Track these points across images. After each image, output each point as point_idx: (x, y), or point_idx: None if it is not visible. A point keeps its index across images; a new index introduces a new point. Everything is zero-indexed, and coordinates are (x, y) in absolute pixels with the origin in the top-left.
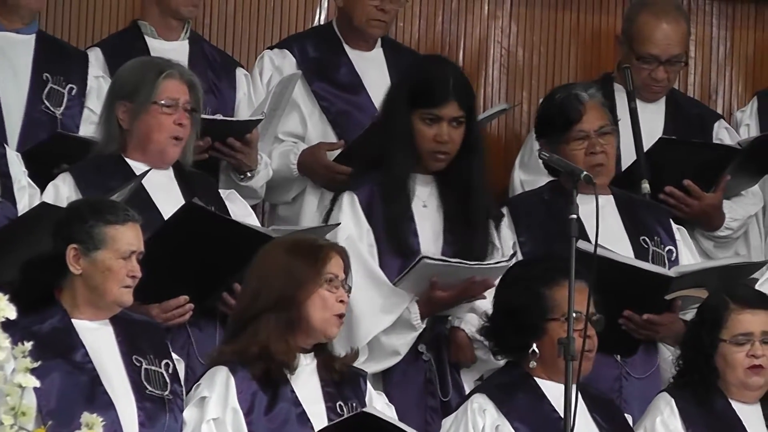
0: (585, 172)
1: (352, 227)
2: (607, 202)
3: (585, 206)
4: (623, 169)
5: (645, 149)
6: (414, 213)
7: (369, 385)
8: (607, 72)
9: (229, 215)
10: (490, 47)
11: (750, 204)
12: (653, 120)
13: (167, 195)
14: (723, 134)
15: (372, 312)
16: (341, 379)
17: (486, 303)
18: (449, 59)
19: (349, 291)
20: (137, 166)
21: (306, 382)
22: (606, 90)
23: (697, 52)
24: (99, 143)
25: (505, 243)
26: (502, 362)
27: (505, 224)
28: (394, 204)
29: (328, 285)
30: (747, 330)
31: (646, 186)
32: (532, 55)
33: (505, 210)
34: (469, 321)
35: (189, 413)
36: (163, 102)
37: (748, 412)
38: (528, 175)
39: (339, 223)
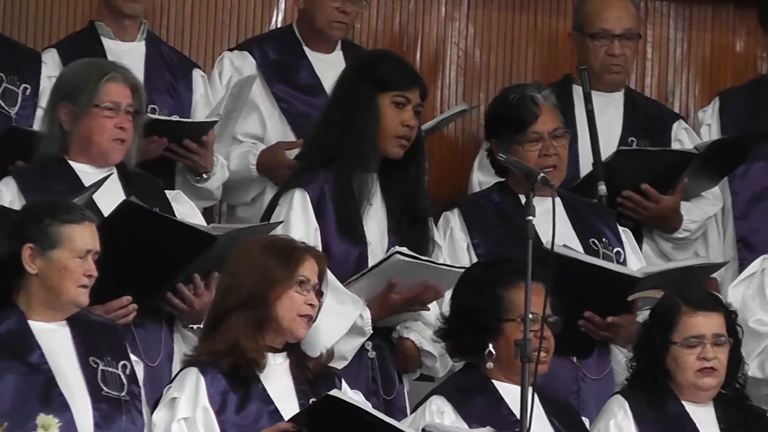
0: (542, 174)
1: (302, 226)
2: (557, 204)
3: (536, 208)
4: (582, 173)
5: (604, 154)
6: (362, 211)
7: (345, 384)
8: (567, 74)
9: (174, 216)
10: (447, 48)
11: (709, 205)
12: (612, 120)
13: (110, 197)
14: (682, 135)
15: (329, 319)
16: (315, 378)
17: (431, 315)
18: None
19: (320, 296)
20: (81, 169)
21: (278, 381)
22: (565, 92)
23: (654, 53)
24: (42, 144)
25: (458, 245)
26: (443, 372)
27: (457, 226)
28: (344, 201)
29: (299, 287)
30: (698, 332)
31: (602, 188)
32: (489, 56)
33: (456, 212)
34: (416, 329)
35: (159, 415)
36: (104, 105)
37: (700, 413)
38: (487, 177)
39: (281, 222)
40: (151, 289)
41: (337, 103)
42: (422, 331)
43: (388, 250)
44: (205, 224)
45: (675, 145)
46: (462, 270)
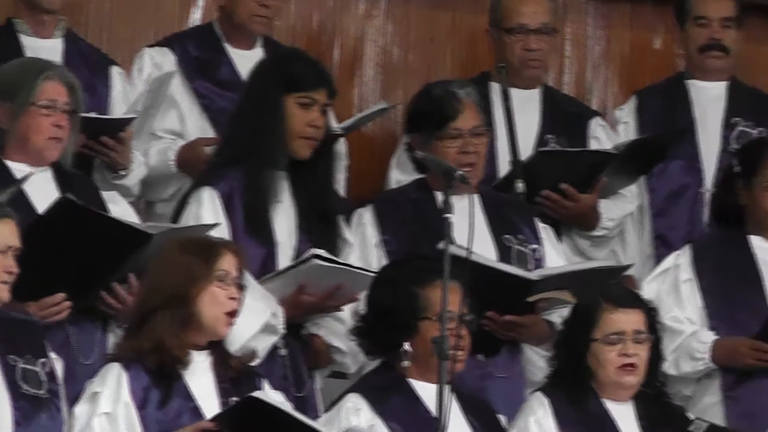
0: (460, 172)
1: (211, 222)
2: (474, 201)
3: (453, 205)
4: (500, 170)
5: (522, 152)
6: (271, 208)
7: (266, 385)
8: (484, 71)
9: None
10: (365, 46)
11: (627, 203)
12: (529, 118)
13: (45, 195)
14: (599, 132)
15: (246, 315)
16: (237, 377)
17: (345, 315)
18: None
19: (242, 289)
20: (16, 167)
21: (200, 378)
22: (482, 89)
23: (573, 51)
24: None
25: (368, 242)
26: (354, 368)
27: (369, 223)
28: (254, 199)
29: (219, 282)
30: (619, 329)
31: (520, 185)
32: (408, 54)
33: (370, 209)
34: (325, 326)
35: (80, 409)
36: (41, 104)
37: (620, 411)
38: (405, 175)
39: (218, 224)
40: (86, 287)
41: (246, 102)
42: (331, 326)
43: (297, 249)
44: (140, 223)
45: (592, 143)
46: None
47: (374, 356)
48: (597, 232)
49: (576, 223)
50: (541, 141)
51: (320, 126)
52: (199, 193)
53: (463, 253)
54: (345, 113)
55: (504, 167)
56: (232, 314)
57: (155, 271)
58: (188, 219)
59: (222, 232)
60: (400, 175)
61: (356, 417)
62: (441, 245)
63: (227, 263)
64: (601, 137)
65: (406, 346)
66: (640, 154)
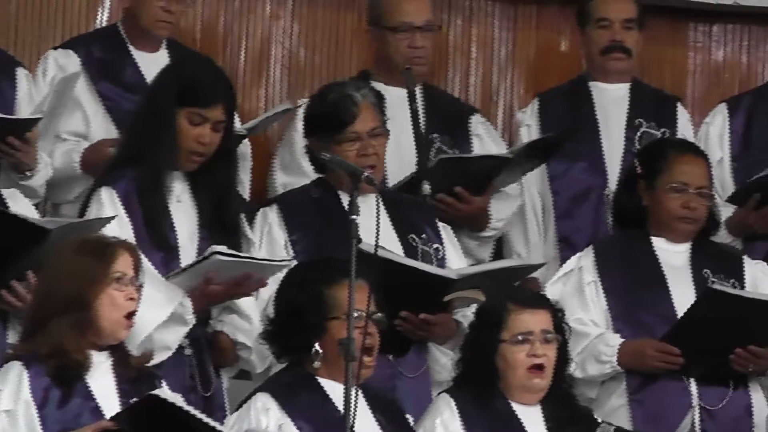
0: (367, 174)
1: (114, 223)
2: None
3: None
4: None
5: (407, 152)
6: (170, 208)
7: (165, 386)
8: (364, 69)
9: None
10: (272, 48)
11: (512, 201)
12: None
13: None
14: (480, 129)
15: (146, 308)
16: (137, 377)
17: (249, 301)
18: (215, 61)
19: (140, 288)
20: None
21: (101, 379)
22: None
23: (479, 53)
24: None
25: (276, 242)
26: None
27: (276, 222)
28: (152, 199)
29: (116, 283)
30: (527, 329)
31: (426, 187)
32: (314, 55)
33: (275, 208)
34: (231, 323)
35: None
36: None
37: (528, 412)
38: (290, 177)
39: (114, 216)
40: None
41: (142, 109)
42: (237, 323)
43: (199, 248)
44: (38, 218)
45: (474, 140)
46: (281, 263)
47: (285, 358)
48: (487, 233)
49: (467, 224)
50: (426, 140)
51: (207, 143)
52: (98, 193)
53: (384, 254)
54: (252, 115)
55: (394, 167)
56: (131, 316)
57: (51, 274)
58: (93, 223)
59: (125, 230)
60: (285, 177)
61: (265, 416)
62: (353, 245)
63: (123, 264)
64: (482, 134)
65: (317, 346)
66: (534, 155)
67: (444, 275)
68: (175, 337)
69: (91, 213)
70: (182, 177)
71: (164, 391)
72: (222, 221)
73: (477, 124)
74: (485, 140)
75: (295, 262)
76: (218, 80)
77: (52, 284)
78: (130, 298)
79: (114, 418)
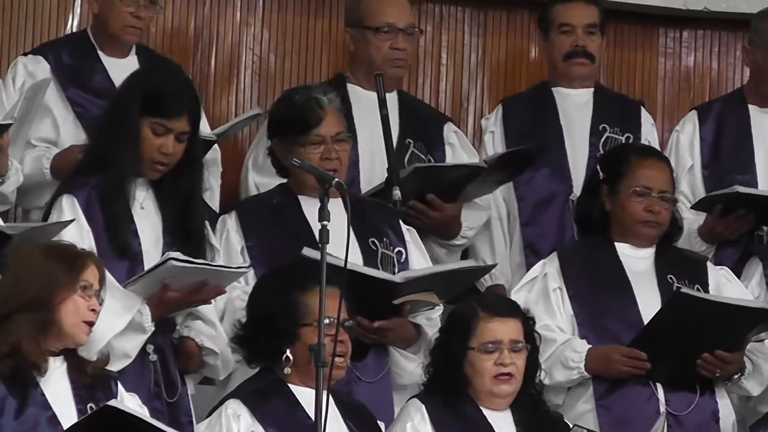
0: (336, 179)
1: (74, 231)
2: (337, 205)
3: (314, 209)
4: (362, 175)
5: (379, 157)
6: (133, 215)
7: (121, 387)
8: (340, 72)
9: None
10: (242, 54)
11: (482, 211)
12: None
13: None
14: (453, 138)
15: (105, 317)
16: (92, 382)
17: (210, 309)
18: (181, 69)
19: (101, 303)
20: None
21: (56, 385)
22: (341, 90)
23: (449, 59)
24: None
25: (233, 248)
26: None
27: (233, 228)
28: (114, 205)
29: (82, 292)
30: (496, 338)
31: (397, 193)
32: (284, 61)
33: (233, 214)
34: (197, 329)
35: None
36: None
37: (498, 418)
38: (263, 178)
39: (73, 220)
40: None
41: (107, 115)
42: (202, 329)
43: (162, 252)
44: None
45: (447, 149)
46: (237, 270)
47: (256, 364)
48: (457, 241)
49: (438, 232)
50: (401, 146)
51: (170, 153)
52: (59, 201)
53: (335, 260)
54: (222, 120)
55: (366, 173)
56: (91, 324)
57: (16, 274)
58: (51, 228)
59: (85, 238)
60: (258, 177)
61: (236, 423)
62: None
63: (91, 275)
64: (455, 142)
65: (288, 353)
66: (507, 166)
67: (386, 278)
68: (134, 344)
69: (52, 220)
70: (146, 184)
71: (120, 400)
72: (186, 229)
73: (450, 132)
74: (457, 149)
75: (251, 270)
76: (183, 91)
77: (17, 282)
78: (92, 310)
79: (70, 429)
